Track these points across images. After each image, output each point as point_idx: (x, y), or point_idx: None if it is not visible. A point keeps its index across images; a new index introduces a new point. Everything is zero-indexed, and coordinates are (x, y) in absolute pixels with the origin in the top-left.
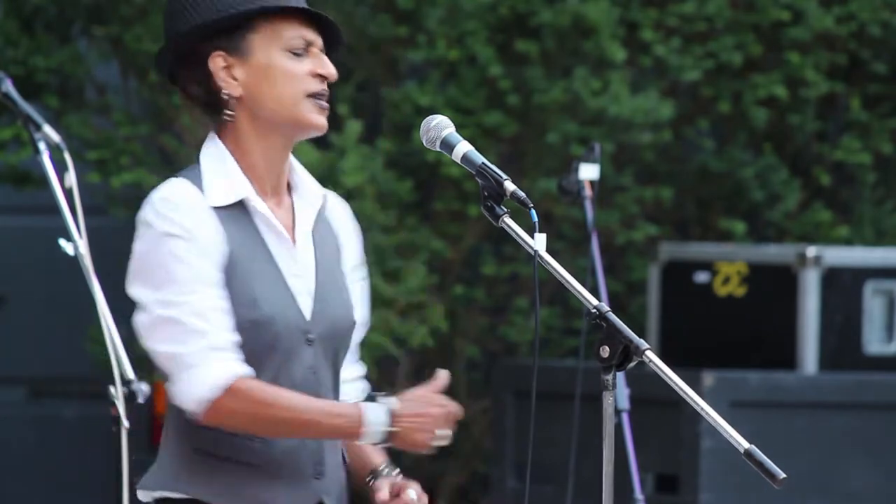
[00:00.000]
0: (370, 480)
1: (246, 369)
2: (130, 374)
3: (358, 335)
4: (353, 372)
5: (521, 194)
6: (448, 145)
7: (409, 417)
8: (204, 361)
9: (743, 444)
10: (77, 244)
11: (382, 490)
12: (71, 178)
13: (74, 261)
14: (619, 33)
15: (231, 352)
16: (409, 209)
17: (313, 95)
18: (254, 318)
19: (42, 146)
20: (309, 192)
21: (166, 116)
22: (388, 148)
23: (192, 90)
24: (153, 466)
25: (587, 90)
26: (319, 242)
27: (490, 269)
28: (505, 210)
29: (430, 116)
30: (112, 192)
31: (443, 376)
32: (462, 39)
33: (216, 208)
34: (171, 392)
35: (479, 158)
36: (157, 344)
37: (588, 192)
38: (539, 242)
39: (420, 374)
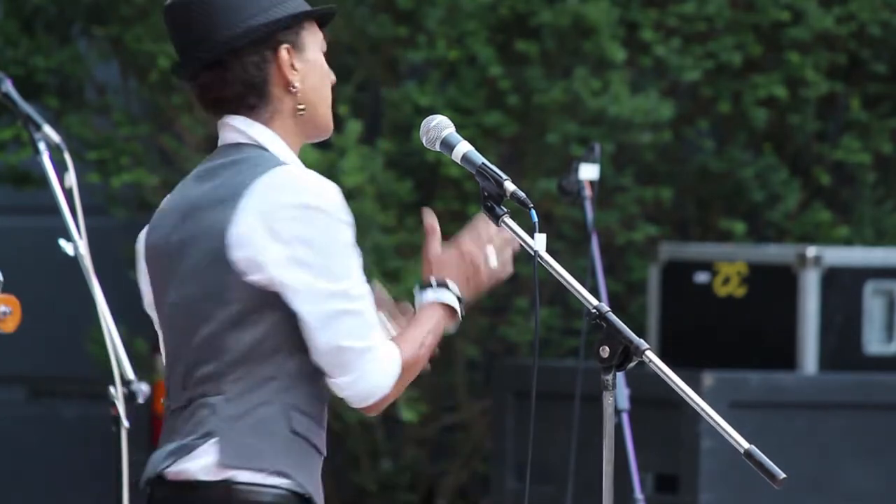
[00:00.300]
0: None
1: (395, 346)
2: (130, 374)
3: None
4: None
5: (521, 194)
6: (448, 145)
7: (463, 275)
8: (384, 354)
9: (743, 444)
10: (77, 244)
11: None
12: (71, 178)
13: (74, 261)
14: (619, 33)
15: (387, 339)
16: (409, 209)
17: None
18: None
19: (42, 146)
20: None
21: (166, 116)
22: (388, 148)
23: (231, 83)
24: (224, 445)
25: (587, 90)
26: None
27: None
28: (505, 210)
29: (430, 116)
30: (112, 193)
31: (427, 214)
32: (462, 39)
33: None
34: (336, 385)
35: (479, 158)
36: (337, 337)
37: (588, 192)
38: (539, 243)
39: (419, 375)
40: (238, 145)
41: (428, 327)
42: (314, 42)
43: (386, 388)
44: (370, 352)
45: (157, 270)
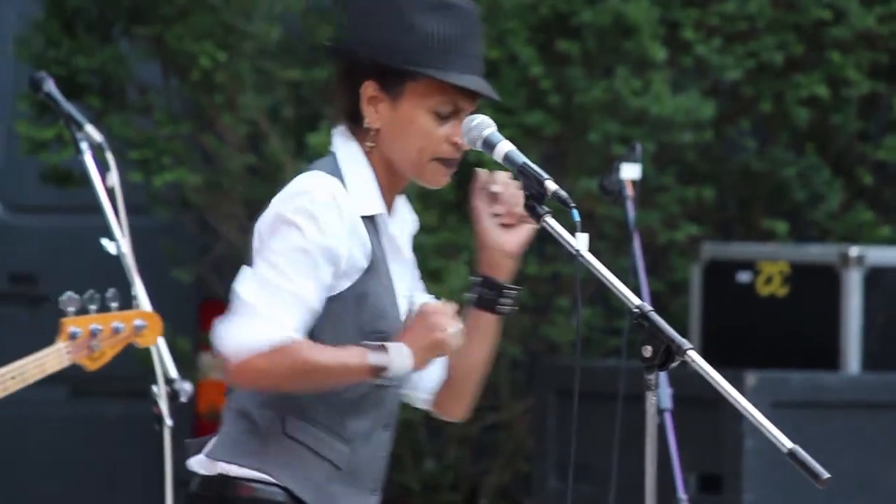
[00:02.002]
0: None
1: (292, 337)
2: (173, 372)
3: None
4: None
5: (563, 194)
6: (489, 145)
7: (416, 329)
8: (270, 321)
9: (786, 443)
10: (119, 243)
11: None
12: (113, 177)
13: (117, 260)
14: (659, 33)
15: (292, 331)
16: (451, 209)
17: (441, 160)
18: (381, 329)
19: (84, 146)
20: (404, 215)
21: (207, 115)
22: None
23: (341, 92)
24: (220, 438)
25: (628, 90)
26: (411, 258)
27: (532, 269)
28: (546, 209)
29: (472, 116)
30: (154, 192)
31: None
32: (503, 39)
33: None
34: (217, 334)
35: (521, 158)
36: (242, 289)
37: (629, 191)
38: (581, 242)
39: None
40: (331, 153)
41: (336, 361)
42: (419, 101)
43: (243, 349)
44: (263, 309)
45: None
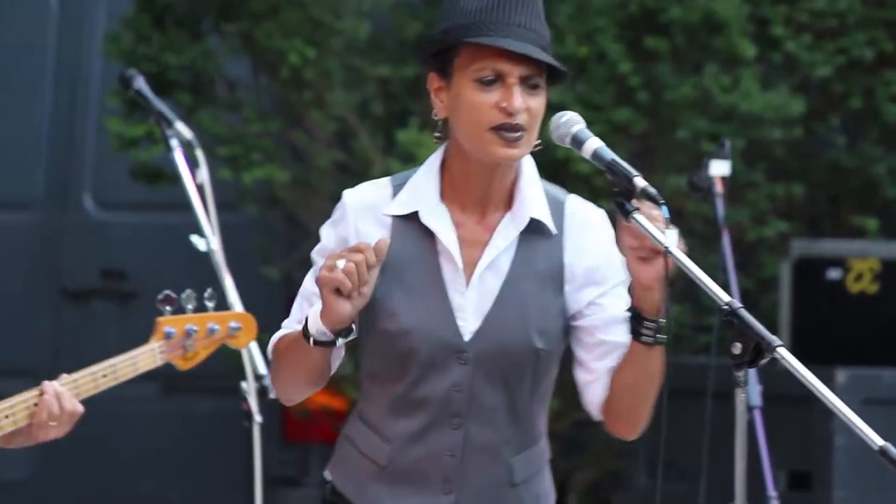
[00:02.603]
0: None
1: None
2: (262, 369)
3: (613, 330)
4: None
5: (652, 190)
6: (578, 141)
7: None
8: (284, 326)
9: (877, 441)
10: (209, 240)
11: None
12: (202, 174)
13: (206, 257)
14: (748, 29)
15: (282, 331)
16: None
17: (496, 128)
18: (392, 329)
19: (174, 143)
20: (521, 212)
21: (297, 112)
22: None
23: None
24: None
25: (717, 86)
26: (520, 262)
27: None
28: (635, 206)
29: (560, 112)
30: (243, 189)
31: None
32: (591, 36)
33: (393, 217)
34: None
35: (610, 154)
36: None
37: (719, 188)
38: (670, 239)
39: None
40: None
41: (288, 340)
42: (464, 73)
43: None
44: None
45: None
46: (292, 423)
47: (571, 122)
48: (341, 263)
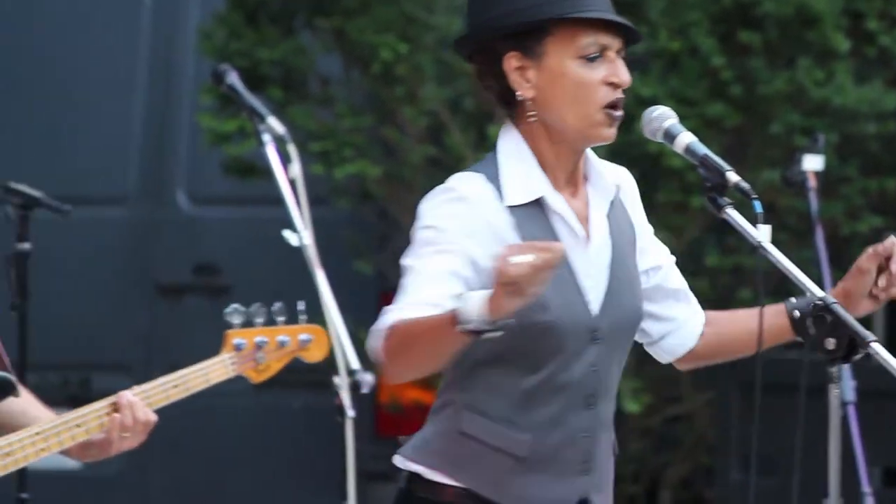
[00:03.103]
0: (793, 311)
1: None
2: (355, 363)
3: (672, 277)
4: (689, 308)
5: (745, 185)
6: (670, 136)
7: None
8: (398, 309)
9: None
10: (301, 235)
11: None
12: (295, 169)
13: (299, 251)
14: (842, 23)
15: (406, 309)
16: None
17: (608, 107)
18: (542, 321)
19: (266, 137)
20: (602, 182)
21: (388, 108)
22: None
23: (487, 81)
24: (417, 436)
25: (811, 80)
26: (615, 231)
27: (713, 261)
28: (728, 201)
29: (653, 107)
30: (335, 184)
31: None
32: (684, 30)
33: (512, 207)
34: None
35: (702, 149)
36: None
37: (812, 182)
38: (763, 234)
39: (643, 366)
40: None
41: (427, 325)
42: (563, 50)
43: (374, 347)
44: (391, 309)
45: None
46: (384, 418)
47: (664, 116)
48: (522, 258)
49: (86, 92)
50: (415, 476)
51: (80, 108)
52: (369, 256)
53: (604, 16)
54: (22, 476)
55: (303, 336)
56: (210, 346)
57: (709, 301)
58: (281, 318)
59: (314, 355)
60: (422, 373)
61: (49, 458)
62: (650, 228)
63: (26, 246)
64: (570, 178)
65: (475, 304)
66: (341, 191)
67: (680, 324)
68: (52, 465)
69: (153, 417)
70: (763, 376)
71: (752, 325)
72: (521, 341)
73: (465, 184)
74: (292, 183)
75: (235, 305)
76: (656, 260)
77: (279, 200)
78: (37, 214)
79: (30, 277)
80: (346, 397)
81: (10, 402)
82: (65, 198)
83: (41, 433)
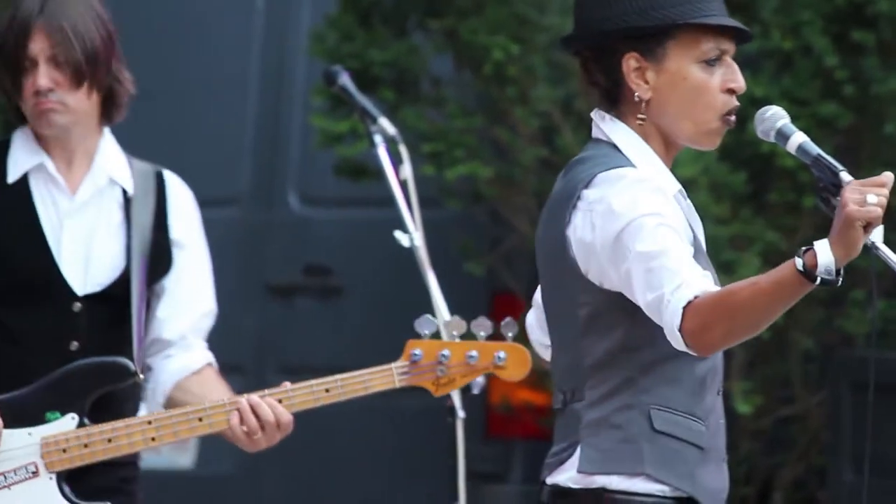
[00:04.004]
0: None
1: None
2: None
3: None
4: None
5: None
6: (783, 136)
7: (835, 231)
8: (674, 296)
9: None
10: (412, 236)
11: None
12: (406, 170)
13: (410, 252)
14: None
15: (697, 283)
16: (744, 201)
17: (726, 114)
18: None
19: (378, 139)
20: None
21: (500, 109)
22: (722, 139)
23: (595, 77)
24: (586, 452)
25: None
26: None
27: None
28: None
29: (765, 107)
30: (446, 185)
31: None
32: (797, 30)
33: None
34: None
35: (815, 149)
36: (644, 293)
37: None
38: (876, 234)
39: (754, 367)
40: (597, 141)
41: (765, 283)
42: (684, 54)
43: (673, 327)
44: (665, 295)
45: (538, 265)
46: (495, 419)
47: (776, 116)
48: (873, 198)
49: (200, 95)
50: (605, 491)
51: (194, 110)
52: (480, 257)
53: (730, 22)
54: None
55: (500, 353)
56: (321, 347)
57: (822, 302)
58: (482, 334)
59: (511, 374)
60: (742, 339)
61: (161, 458)
62: None
63: None
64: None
65: (826, 253)
66: (452, 192)
67: None
68: (164, 465)
69: (286, 418)
70: (876, 376)
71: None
72: None
73: (649, 174)
74: (403, 184)
75: (428, 316)
76: None
77: (390, 202)
78: None
79: None
80: (457, 398)
81: (193, 383)
82: None
83: (153, 422)
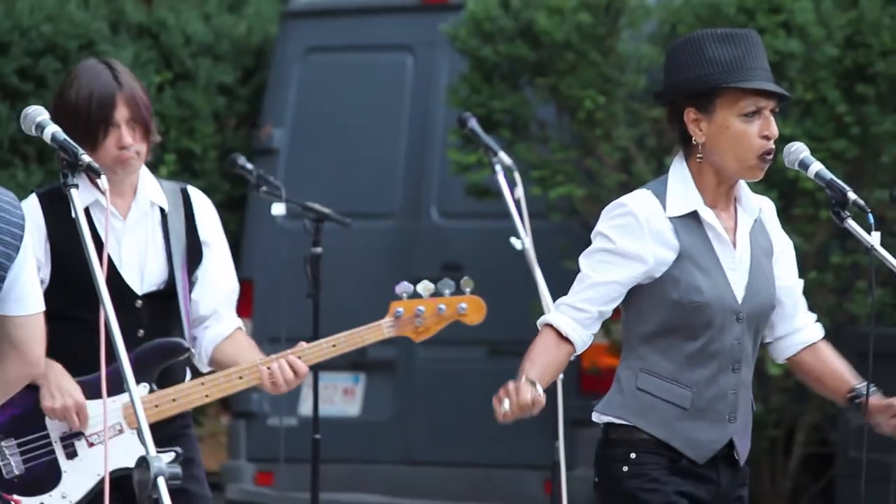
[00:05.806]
0: (853, 397)
1: (566, 322)
2: None
3: (792, 296)
4: (803, 320)
5: (861, 202)
6: (804, 165)
7: None
8: (561, 308)
9: None
10: (524, 242)
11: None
12: (519, 191)
13: (522, 254)
14: None
15: (575, 312)
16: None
17: (763, 154)
18: (697, 301)
19: (497, 168)
20: (749, 205)
21: (590, 145)
22: None
23: (672, 125)
24: (606, 397)
25: None
26: (754, 242)
27: (837, 259)
28: (848, 214)
29: (791, 143)
30: (550, 202)
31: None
32: (815, 84)
33: (672, 217)
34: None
35: (828, 175)
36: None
37: None
38: (875, 239)
39: None
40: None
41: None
42: (731, 110)
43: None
44: (562, 303)
45: None
46: (587, 378)
47: (799, 150)
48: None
49: (364, 134)
50: (608, 425)
51: (360, 146)
52: (576, 258)
53: (759, 86)
54: (315, 421)
55: (461, 305)
56: (454, 325)
57: (833, 290)
58: (447, 291)
59: (472, 319)
60: None
61: (335, 406)
62: (789, 243)
63: (318, 250)
64: (726, 200)
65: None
66: (554, 208)
67: (788, 333)
68: (337, 413)
69: (303, 370)
70: (875, 347)
71: (836, 385)
72: (682, 315)
73: (636, 202)
74: (517, 202)
75: (405, 283)
76: (787, 280)
77: (507, 215)
78: (326, 226)
79: (321, 274)
80: None
81: (228, 345)
82: (347, 213)
83: (206, 383)
